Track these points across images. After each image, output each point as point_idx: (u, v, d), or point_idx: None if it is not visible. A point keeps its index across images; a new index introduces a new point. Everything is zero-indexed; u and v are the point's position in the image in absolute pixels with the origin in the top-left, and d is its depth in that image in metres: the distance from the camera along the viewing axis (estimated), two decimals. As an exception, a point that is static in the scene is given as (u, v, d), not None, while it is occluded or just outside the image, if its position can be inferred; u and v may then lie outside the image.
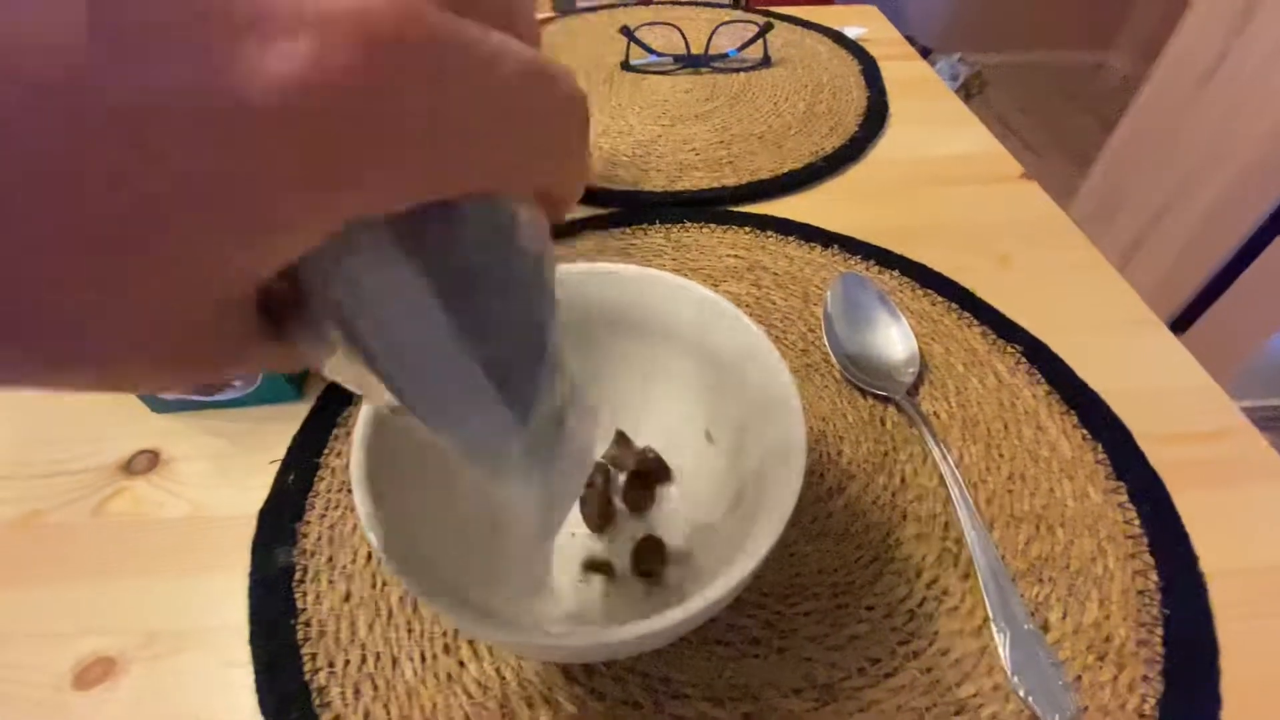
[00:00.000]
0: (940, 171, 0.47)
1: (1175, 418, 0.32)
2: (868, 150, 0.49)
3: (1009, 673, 0.23)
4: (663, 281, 0.25)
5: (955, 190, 0.46)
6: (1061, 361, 0.34)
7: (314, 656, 0.24)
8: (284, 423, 0.32)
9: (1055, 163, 1.83)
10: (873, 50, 0.61)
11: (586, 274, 0.25)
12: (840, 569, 0.26)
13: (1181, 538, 0.27)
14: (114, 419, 0.32)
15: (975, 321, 0.36)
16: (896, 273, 0.39)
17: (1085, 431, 0.31)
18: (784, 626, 0.25)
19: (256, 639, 0.25)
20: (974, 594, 0.25)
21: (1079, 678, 0.23)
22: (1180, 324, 1.10)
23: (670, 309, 0.25)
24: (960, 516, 0.27)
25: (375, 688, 0.23)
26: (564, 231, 0.42)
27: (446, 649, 0.24)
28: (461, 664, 0.24)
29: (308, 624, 0.25)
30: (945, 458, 0.28)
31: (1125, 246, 1.20)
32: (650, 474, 0.28)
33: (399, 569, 0.17)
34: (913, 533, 0.27)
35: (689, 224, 0.42)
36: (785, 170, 0.46)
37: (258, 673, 0.24)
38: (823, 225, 0.42)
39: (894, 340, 0.33)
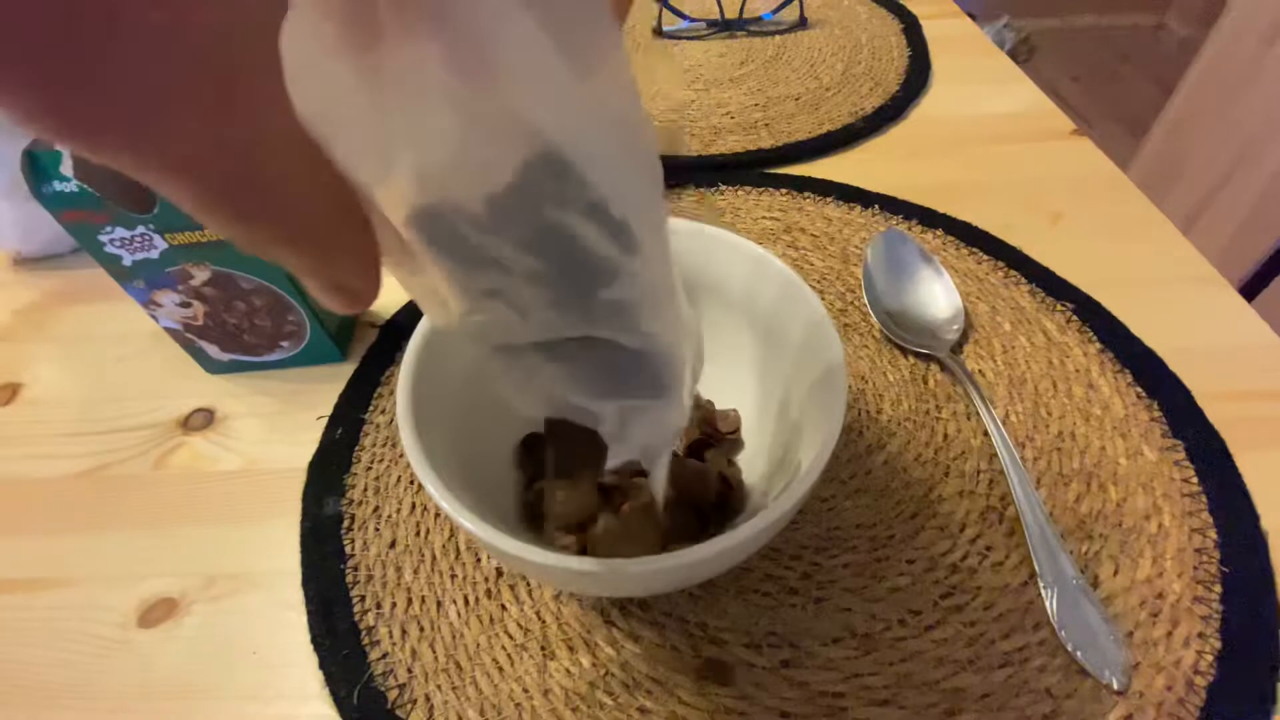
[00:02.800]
0: (986, 129, 0.46)
1: (1237, 375, 0.30)
2: (909, 110, 0.48)
3: (1056, 627, 0.23)
4: (715, 238, 0.25)
5: (1003, 148, 0.44)
6: (1115, 319, 0.32)
7: (363, 599, 0.25)
8: (330, 382, 0.32)
9: (1109, 131, 1.74)
10: (914, 9, 0.59)
11: None
12: (879, 523, 0.26)
13: (1242, 496, 0.26)
14: (173, 380, 0.34)
15: (1023, 280, 0.34)
16: (940, 231, 0.37)
17: (1140, 389, 0.30)
18: (822, 578, 0.24)
19: (308, 582, 0.26)
20: (1019, 550, 0.25)
21: (1130, 633, 0.23)
22: (1247, 292, 1.05)
23: (721, 268, 0.25)
24: (1006, 473, 0.26)
25: (421, 629, 0.24)
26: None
27: (489, 594, 0.25)
28: (503, 607, 0.24)
29: (356, 569, 0.26)
30: (990, 414, 0.28)
31: (1187, 213, 1.14)
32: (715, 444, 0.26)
33: (443, 493, 0.18)
34: (955, 489, 0.27)
35: (724, 186, 0.42)
36: (823, 131, 0.45)
37: (310, 612, 0.25)
38: (862, 185, 0.41)
39: (937, 297, 0.32)
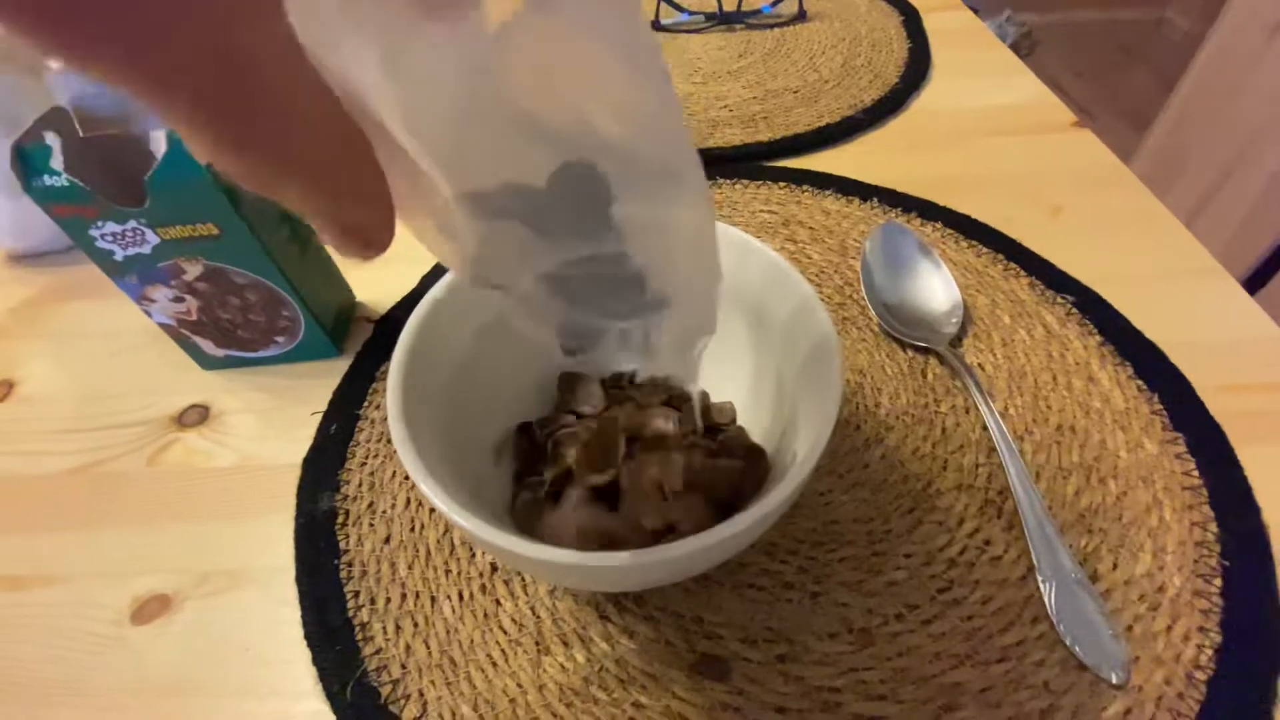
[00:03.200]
0: (987, 122, 0.45)
1: (1239, 368, 0.30)
2: (909, 102, 0.47)
3: (1054, 621, 0.22)
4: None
5: (1003, 140, 0.44)
6: (1116, 312, 0.32)
7: (356, 595, 0.25)
8: (326, 378, 0.32)
9: (1111, 126, 1.74)
10: (915, 2, 0.59)
11: None
12: (877, 518, 0.26)
13: (1243, 489, 0.26)
14: (168, 376, 0.34)
15: (1023, 272, 0.34)
16: (939, 224, 0.37)
17: (1140, 383, 0.29)
18: (818, 572, 0.24)
19: (302, 578, 0.25)
20: (1018, 544, 0.25)
21: (1130, 628, 0.22)
22: (1250, 286, 1.04)
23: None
24: (1005, 467, 0.26)
25: (415, 624, 0.24)
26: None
27: (483, 589, 0.24)
28: (498, 602, 0.24)
29: (350, 564, 0.25)
30: (989, 407, 0.27)
31: (1190, 207, 1.14)
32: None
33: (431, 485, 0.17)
34: (954, 483, 0.26)
35: (721, 180, 0.41)
36: (822, 124, 0.45)
37: (304, 609, 0.25)
38: (862, 178, 0.41)
39: (936, 290, 0.32)
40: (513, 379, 0.26)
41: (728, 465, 0.23)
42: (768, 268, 0.23)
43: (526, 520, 0.23)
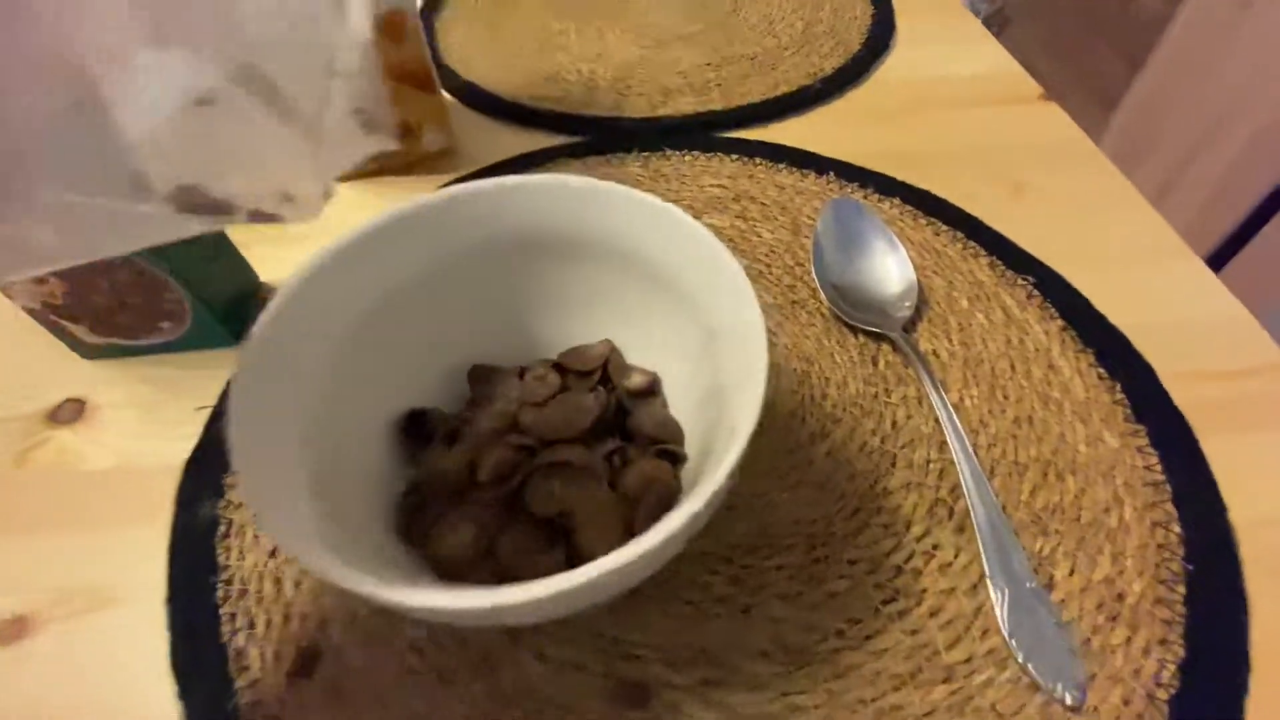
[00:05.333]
0: (951, 93, 0.43)
1: (1204, 353, 0.28)
2: (871, 71, 0.45)
3: (1006, 636, 0.20)
4: (609, 193, 0.22)
5: (966, 113, 0.41)
6: (1078, 294, 0.30)
7: (233, 617, 0.22)
8: (218, 369, 0.29)
9: (1080, 105, 1.73)
10: (881, -34, 0.56)
11: (508, 189, 0.22)
12: (819, 520, 0.23)
13: (1208, 485, 0.24)
14: (42, 367, 0.30)
15: (983, 252, 0.32)
16: (897, 200, 0.35)
17: (1102, 370, 0.27)
18: (752, 583, 0.22)
19: (174, 597, 0.22)
20: (970, 548, 0.23)
21: (1087, 640, 0.21)
22: (1213, 266, 1.05)
23: (620, 224, 0.22)
24: (957, 463, 0.24)
25: (299, 650, 0.21)
26: (532, 161, 0.38)
27: (380, 610, 0.22)
28: (395, 626, 0.21)
29: (229, 582, 0.22)
30: (942, 398, 0.25)
31: (1158, 187, 1.14)
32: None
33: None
34: (903, 481, 0.24)
35: (670, 152, 0.38)
36: (778, 93, 0.42)
37: (172, 634, 0.22)
38: (818, 151, 0.38)
39: (890, 271, 0.30)
40: (412, 370, 0.23)
41: (644, 469, 0.20)
42: (689, 238, 0.20)
43: (412, 528, 0.20)
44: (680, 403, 0.23)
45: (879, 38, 0.47)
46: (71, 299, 0.27)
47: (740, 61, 0.45)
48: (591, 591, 0.14)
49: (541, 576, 0.17)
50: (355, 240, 0.20)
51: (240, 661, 0.21)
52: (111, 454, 0.27)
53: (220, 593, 0.22)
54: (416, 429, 0.22)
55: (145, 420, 0.28)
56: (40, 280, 0.26)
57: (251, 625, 0.21)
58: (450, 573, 0.18)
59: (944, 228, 0.33)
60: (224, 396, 0.28)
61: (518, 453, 0.20)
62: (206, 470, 0.25)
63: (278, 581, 0.22)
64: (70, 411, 0.29)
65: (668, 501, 0.19)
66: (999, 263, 0.32)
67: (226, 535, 0.24)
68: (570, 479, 0.19)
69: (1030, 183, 0.37)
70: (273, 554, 0.23)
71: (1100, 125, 1.29)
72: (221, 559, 0.23)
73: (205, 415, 0.27)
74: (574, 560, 0.18)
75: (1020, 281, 0.31)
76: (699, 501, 0.14)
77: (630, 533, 0.19)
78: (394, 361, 0.22)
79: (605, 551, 0.18)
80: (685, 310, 0.22)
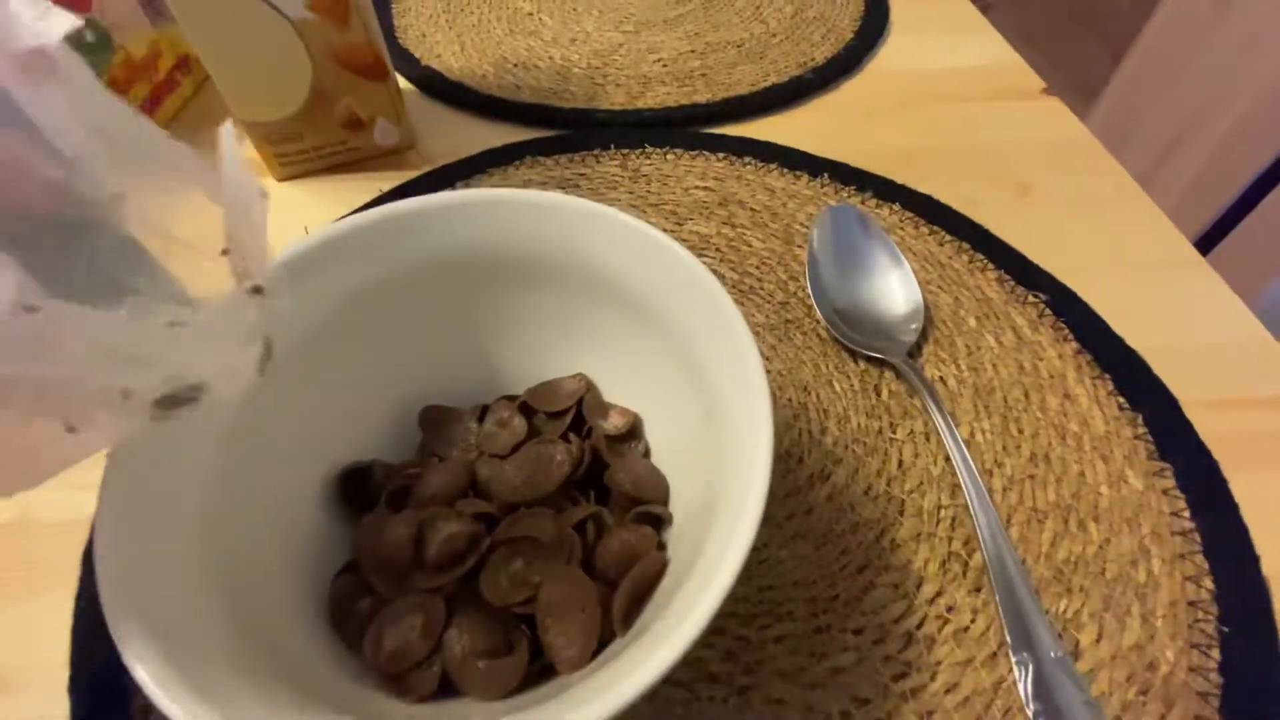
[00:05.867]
0: (949, 87, 0.40)
1: (1228, 379, 0.26)
2: (865, 62, 0.42)
3: (1030, 715, 0.18)
4: (611, 222, 0.19)
5: (966, 108, 0.39)
6: (1093, 312, 0.28)
7: (147, 710, 0.19)
8: (136, 400, 0.25)
9: (1060, 95, 1.73)
10: (873, -54, 0.52)
11: (471, 205, 0.19)
12: (821, 580, 0.21)
13: (1240, 534, 0.22)
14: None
15: (990, 265, 0.30)
16: (897, 206, 0.32)
17: (1122, 399, 0.25)
18: (749, 658, 0.19)
19: (77, 685, 0.19)
20: (986, 611, 0.20)
21: (1118, 718, 0.19)
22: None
23: (618, 259, 0.19)
24: (973, 512, 0.22)
25: (223, 749, 0.18)
26: (498, 159, 0.35)
27: (316, 697, 0.19)
28: (334, 717, 0.18)
29: (141, 665, 0.19)
30: (954, 436, 0.23)
31: (1137, 178, 1.13)
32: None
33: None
34: (911, 531, 0.22)
35: (651, 149, 0.35)
36: (768, 84, 0.39)
37: (75, 730, 0.19)
38: (811, 150, 0.35)
39: (894, 289, 0.27)
40: (349, 415, 0.20)
41: (623, 542, 0.17)
42: (689, 279, 0.17)
43: (346, 619, 0.16)
44: (664, 447, 0.21)
45: (872, 25, 0.44)
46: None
47: (726, 49, 0.42)
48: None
49: (501, 683, 0.15)
50: (295, 258, 0.17)
51: (151, 766, 0.18)
52: (10, 504, 0.24)
53: (130, 676, 0.19)
54: (356, 489, 0.19)
55: (51, 463, 0.24)
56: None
57: (166, 719, 0.18)
58: (391, 675, 0.15)
59: (948, 237, 0.31)
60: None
61: (474, 524, 0.17)
62: (118, 527, 0.22)
63: (199, 663, 0.19)
64: (-36, 452, 0.25)
65: (651, 581, 0.16)
66: (1007, 277, 0.29)
67: (140, 606, 0.20)
68: (535, 558, 0.16)
69: (1036, 184, 0.34)
70: (194, 630, 0.20)
71: (1080, 115, 1.29)
72: (133, 636, 0.20)
73: (119, 459, 0.24)
74: (537, 664, 0.15)
75: (1031, 298, 0.28)
76: (681, 642, 0.11)
77: (606, 622, 0.16)
78: (327, 406, 0.19)
79: (577, 651, 0.15)
80: (672, 347, 0.19)
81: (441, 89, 0.39)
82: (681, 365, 0.18)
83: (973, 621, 0.20)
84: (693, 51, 0.42)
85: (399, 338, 0.20)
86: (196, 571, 0.14)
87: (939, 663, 0.19)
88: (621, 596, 0.16)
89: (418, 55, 0.41)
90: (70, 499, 0.23)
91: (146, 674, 0.12)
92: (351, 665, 0.16)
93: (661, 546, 0.18)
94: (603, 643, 0.16)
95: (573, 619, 0.15)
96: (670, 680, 0.19)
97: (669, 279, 0.18)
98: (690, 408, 0.18)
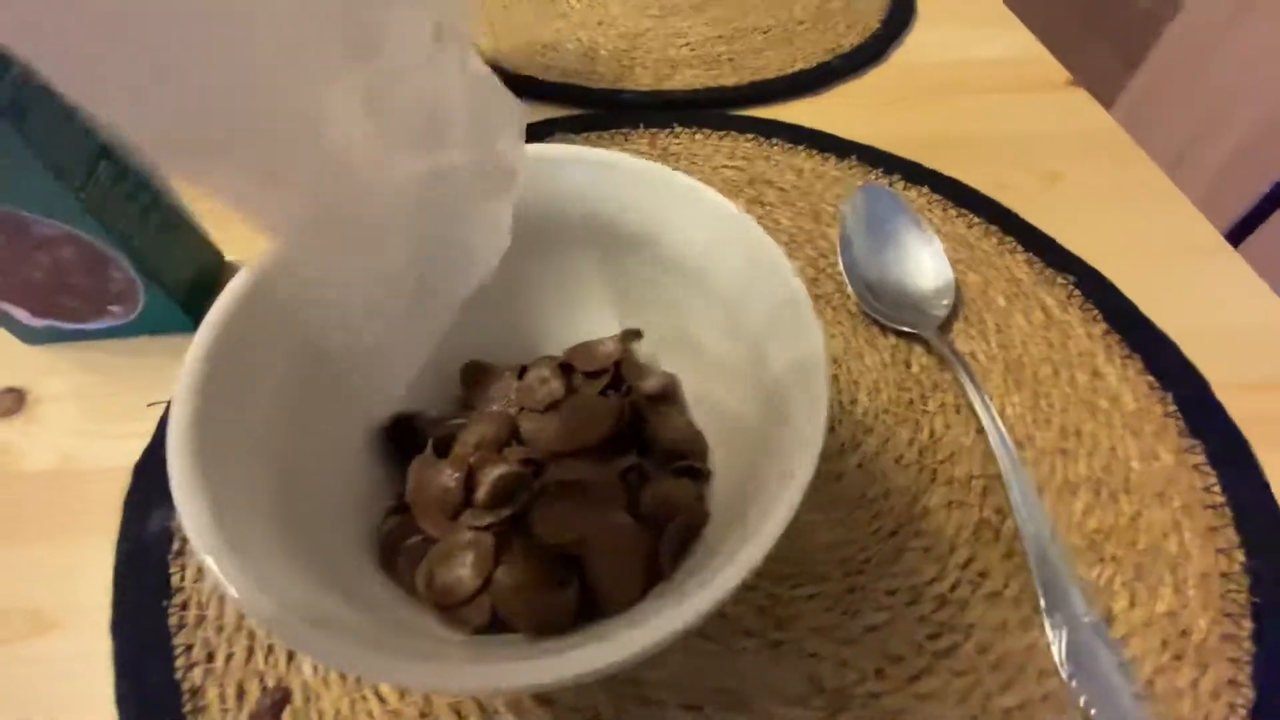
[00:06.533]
0: (976, 76, 0.40)
1: (1258, 362, 0.26)
2: (891, 51, 0.42)
3: (1065, 677, 0.18)
4: (670, 185, 0.19)
5: (993, 98, 0.39)
6: (1122, 295, 0.28)
7: (189, 648, 0.19)
8: (172, 356, 0.25)
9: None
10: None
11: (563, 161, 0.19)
12: (853, 543, 0.21)
13: (1272, 510, 0.22)
14: (-24, 351, 0.27)
15: (1019, 247, 0.30)
16: (926, 189, 0.32)
17: (1152, 379, 0.25)
18: (782, 613, 0.20)
19: (119, 624, 0.20)
20: (1019, 577, 0.20)
21: (1151, 682, 0.19)
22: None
23: (677, 222, 0.19)
24: (1006, 481, 0.22)
25: (264, 688, 0.18)
26: (529, 134, 0.35)
27: (357, 641, 0.19)
28: (374, 660, 0.19)
29: (184, 606, 0.20)
30: (988, 407, 0.23)
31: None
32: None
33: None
34: (943, 499, 0.22)
35: (679, 129, 0.35)
36: (795, 69, 0.39)
37: (119, 665, 0.19)
38: (839, 134, 0.35)
39: (924, 265, 0.27)
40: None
41: (666, 491, 0.17)
42: (753, 252, 0.18)
43: (396, 556, 0.17)
44: (701, 408, 0.21)
45: (899, 15, 0.44)
46: (6, 277, 0.24)
47: (752, 35, 0.42)
48: (621, 667, 0.11)
49: (551, 619, 0.15)
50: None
51: (196, 701, 0.18)
52: (52, 453, 0.24)
53: (173, 619, 0.19)
54: (403, 437, 0.19)
55: (90, 415, 0.25)
56: (-33, 254, 0.23)
57: (210, 658, 0.19)
58: (444, 608, 0.16)
59: (977, 220, 0.31)
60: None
61: (521, 468, 0.17)
62: (158, 476, 0.22)
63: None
64: (9, 403, 0.25)
65: (694, 529, 0.16)
66: (1036, 259, 0.29)
67: (180, 552, 0.21)
68: (582, 502, 0.16)
69: (1063, 173, 0.34)
70: (235, 575, 0.20)
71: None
72: (175, 579, 0.20)
73: (158, 412, 0.24)
74: (588, 600, 0.16)
75: (1060, 280, 0.28)
76: (743, 568, 0.12)
77: (652, 566, 0.16)
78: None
79: (624, 589, 0.15)
80: (720, 311, 0.19)
81: (472, 68, 0.39)
82: (729, 331, 0.19)
83: (1005, 586, 0.20)
84: (719, 37, 0.42)
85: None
86: (257, 492, 0.14)
87: (972, 625, 0.20)
88: (669, 540, 0.16)
89: (449, 35, 0.41)
90: (113, 447, 0.24)
91: (229, 573, 0.12)
92: (401, 601, 0.16)
93: (700, 499, 0.18)
94: (645, 588, 0.16)
95: (621, 561, 0.16)
96: (703, 634, 0.19)
97: (728, 244, 0.18)
98: (736, 373, 0.19)
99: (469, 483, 0.17)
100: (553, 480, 0.17)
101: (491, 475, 0.16)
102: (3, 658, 0.20)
